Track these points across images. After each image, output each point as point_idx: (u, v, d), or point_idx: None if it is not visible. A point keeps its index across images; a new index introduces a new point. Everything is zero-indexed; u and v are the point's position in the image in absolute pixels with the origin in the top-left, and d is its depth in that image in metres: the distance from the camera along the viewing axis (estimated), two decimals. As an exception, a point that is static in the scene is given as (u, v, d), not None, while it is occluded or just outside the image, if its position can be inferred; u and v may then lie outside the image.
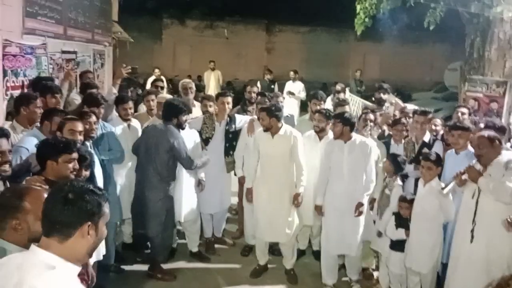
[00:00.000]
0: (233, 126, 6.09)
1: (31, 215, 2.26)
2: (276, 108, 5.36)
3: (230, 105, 6.17)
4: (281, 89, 12.78)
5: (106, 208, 1.99)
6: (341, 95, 7.55)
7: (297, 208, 5.37)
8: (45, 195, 2.29)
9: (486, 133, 4.25)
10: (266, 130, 5.33)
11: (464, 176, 4.24)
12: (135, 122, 5.83)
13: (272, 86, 12.68)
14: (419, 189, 4.79)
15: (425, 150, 5.21)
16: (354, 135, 5.21)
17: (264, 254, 5.70)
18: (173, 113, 5.34)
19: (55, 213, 1.87)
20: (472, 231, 4.17)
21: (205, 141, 5.94)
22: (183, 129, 5.43)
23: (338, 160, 5.16)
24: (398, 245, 4.86)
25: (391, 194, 5.02)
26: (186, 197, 5.63)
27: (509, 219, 3.91)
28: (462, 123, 5.24)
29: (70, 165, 3.37)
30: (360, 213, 5.07)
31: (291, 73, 13.14)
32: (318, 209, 5.32)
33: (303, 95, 12.19)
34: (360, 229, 5.17)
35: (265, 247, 5.69)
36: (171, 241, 5.82)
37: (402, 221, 4.81)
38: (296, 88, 12.71)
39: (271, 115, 5.24)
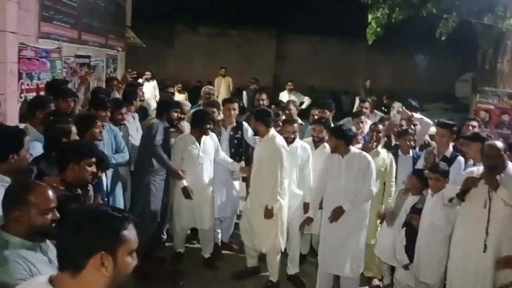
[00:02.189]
0: (239, 132, 6.12)
1: (33, 209, 2.33)
2: (263, 112, 5.37)
3: (237, 111, 6.20)
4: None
5: (128, 233, 1.68)
6: (366, 104, 7.58)
7: (273, 219, 5.15)
8: (50, 192, 2.42)
9: (500, 143, 4.22)
10: (255, 134, 5.50)
11: (480, 184, 4.14)
12: (129, 126, 5.81)
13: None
14: (427, 200, 4.74)
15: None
16: (352, 148, 4.99)
17: (252, 257, 5.66)
18: (162, 109, 5.72)
19: (66, 242, 1.66)
20: (485, 240, 4.12)
21: None
22: (172, 126, 5.68)
23: (336, 175, 4.96)
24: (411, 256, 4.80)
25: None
26: (206, 204, 5.67)
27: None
28: (476, 133, 5.11)
29: (91, 169, 3.44)
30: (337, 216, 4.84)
31: (289, 83, 12.20)
32: (308, 221, 5.23)
33: (307, 101, 11.83)
34: (354, 249, 4.94)
35: (254, 251, 5.59)
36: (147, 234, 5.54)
37: (414, 233, 4.77)
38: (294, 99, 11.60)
39: (257, 119, 5.25)
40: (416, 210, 4.81)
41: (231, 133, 6.09)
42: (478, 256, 4.16)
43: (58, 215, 2.43)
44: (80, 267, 1.61)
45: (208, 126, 5.54)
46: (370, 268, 5.62)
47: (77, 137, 4.13)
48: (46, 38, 6.52)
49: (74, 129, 4.12)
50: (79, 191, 3.44)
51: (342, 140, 4.87)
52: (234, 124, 6.13)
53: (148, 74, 12.07)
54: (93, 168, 3.48)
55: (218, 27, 21.50)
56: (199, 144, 5.57)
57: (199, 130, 5.53)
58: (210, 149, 5.67)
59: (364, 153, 5.05)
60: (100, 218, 1.64)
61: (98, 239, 1.62)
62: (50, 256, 2.37)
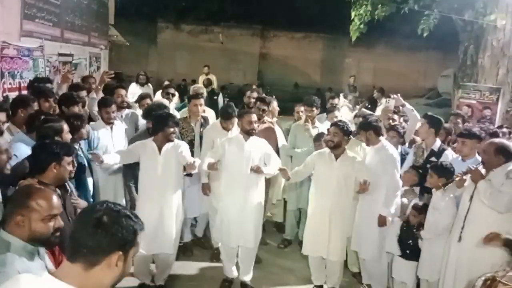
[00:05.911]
0: (206, 127, 6.00)
1: (35, 214, 2.28)
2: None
3: (203, 107, 6.11)
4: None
5: (139, 238, 1.75)
6: (335, 101, 7.59)
7: None
8: (55, 198, 2.38)
9: (496, 141, 4.28)
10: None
11: (466, 177, 4.25)
12: (118, 125, 5.64)
13: (215, 98, 10.90)
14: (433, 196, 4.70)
15: (433, 159, 5.19)
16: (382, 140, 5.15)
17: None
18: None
19: (85, 236, 1.65)
20: (460, 232, 4.24)
21: (190, 145, 5.46)
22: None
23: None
24: (410, 254, 4.79)
25: (409, 203, 4.93)
26: (165, 225, 4.88)
27: (490, 235, 3.95)
28: (470, 130, 5.14)
29: (70, 167, 3.42)
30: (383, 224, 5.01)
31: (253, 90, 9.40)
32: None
33: None
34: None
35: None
36: None
37: (409, 228, 4.77)
38: None
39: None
40: (416, 208, 4.76)
41: (201, 129, 5.95)
42: (455, 245, 4.29)
43: (62, 223, 2.40)
44: (95, 263, 1.64)
45: (172, 129, 4.76)
46: (355, 263, 5.67)
47: (69, 136, 4.12)
48: (29, 36, 6.45)
49: (66, 127, 4.10)
50: (58, 191, 3.41)
51: (370, 130, 5.02)
52: (202, 120, 6.04)
53: (142, 77, 10.31)
54: (71, 167, 3.47)
55: (201, 25, 21.46)
56: (160, 153, 4.79)
57: (161, 135, 4.76)
58: (175, 161, 4.86)
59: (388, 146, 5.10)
60: (121, 219, 1.68)
61: (118, 240, 1.65)
62: (46, 262, 2.34)
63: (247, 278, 5.27)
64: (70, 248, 1.69)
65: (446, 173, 4.57)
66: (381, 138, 5.09)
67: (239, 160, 5.02)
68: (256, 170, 4.92)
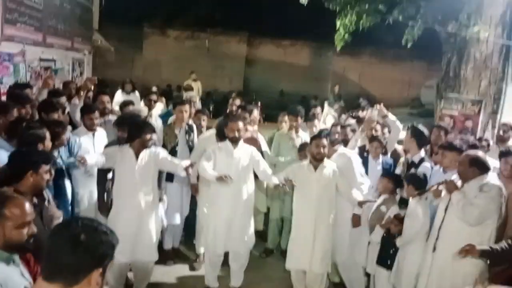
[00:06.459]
0: (192, 134, 6.00)
1: (9, 222, 2.25)
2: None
3: (188, 114, 6.02)
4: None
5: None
6: (317, 110, 7.60)
7: None
8: (27, 205, 2.35)
9: (470, 153, 4.31)
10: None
11: (441, 187, 4.28)
12: (100, 132, 5.61)
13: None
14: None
15: (412, 170, 5.21)
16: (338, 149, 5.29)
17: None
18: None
19: (63, 255, 1.61)
20: (435, 242, 4.29)
21: (172, 152, 5.58)
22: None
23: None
24: (391, 264, 4.76)
25: (387, 211, 4.88)
26: (145, 232, 4.89)
27: (467, 247, 3.95)
28: (451, 143, 5.15)
29: (47, 176, 3.37)
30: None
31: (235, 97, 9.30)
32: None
33: None
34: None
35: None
36: None
37: (390, 239, 4.74)
38: None
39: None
40: (398, 217, 4.72)
41: (186, 136, 5.93)
42: (429, 255, 4.35)
43: (35, 229, 2.37)
44: (75, 282, 1.61)
45: (149, 136, 4.72)
46: (336, 273, 5.62)
47: (50, 143, 4.09)
48: (10, 41, 6.37)
49: (48, 134, 4.06)
50: (35, 200, 3.35)
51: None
52: (186, 126, 6.00)
53: (128, 85, 9.76)
54: (48, 175, 3.42)
55: (187, 30, 21.36)
56: (137, 160, 4.75)
57: (138, 142, 4.72)
58: (153, 168, 4.87)
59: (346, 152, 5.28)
60: (99, 236, 1.66)
61: (99, 257, 1.65)
62: (22, 269, 2.31)
63: (237, 283, 5.37)
64: (47, 268, 1.65)
65: (414, 181, 4.66)
66: (335, 147, 5.24)
67: (229, 168, 5.05)
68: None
